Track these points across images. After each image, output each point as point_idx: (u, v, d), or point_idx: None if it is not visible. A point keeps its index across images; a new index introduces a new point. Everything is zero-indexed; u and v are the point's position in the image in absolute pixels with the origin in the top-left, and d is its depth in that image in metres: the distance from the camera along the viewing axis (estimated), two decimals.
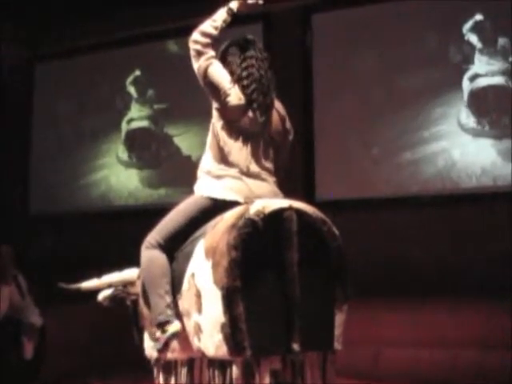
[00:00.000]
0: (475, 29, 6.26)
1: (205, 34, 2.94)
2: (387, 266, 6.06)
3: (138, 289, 3.11)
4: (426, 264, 6.02)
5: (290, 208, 2.73)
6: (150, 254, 2.92)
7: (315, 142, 6.81)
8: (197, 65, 2.96)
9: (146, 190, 7.79)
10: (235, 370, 2.61)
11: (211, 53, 2.96)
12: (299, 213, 2.74)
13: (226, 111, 2.94)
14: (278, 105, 3.08)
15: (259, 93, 2.95)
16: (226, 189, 2.90)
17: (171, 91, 7.60)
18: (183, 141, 7.59)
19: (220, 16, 2.98)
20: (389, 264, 6.07)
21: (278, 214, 2.70)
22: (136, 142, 7.87)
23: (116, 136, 7.94)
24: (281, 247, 2.69)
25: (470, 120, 6.24)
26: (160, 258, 2.90)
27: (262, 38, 6.33)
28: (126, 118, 7.89)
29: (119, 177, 7.91)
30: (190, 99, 6.78)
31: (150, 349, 3.04)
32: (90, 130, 8.02)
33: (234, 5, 3.02)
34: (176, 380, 2.95)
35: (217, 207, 2.86)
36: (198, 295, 2.69)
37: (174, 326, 2.77)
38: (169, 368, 2.98)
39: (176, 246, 2.91)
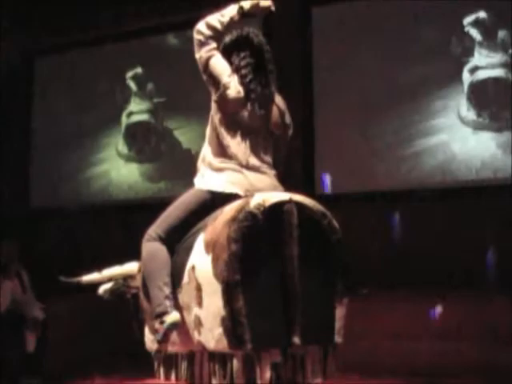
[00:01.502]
0: (475, 22, 6.25)
1: (210, 27, 2.94)
2: (387, 259, 6.07)
3: (138, 282, 3.12)
4: (426, 257, 6.02)
5: (291, 201, 2.73)
6: (151, 246, 2.92)
7: (315, 136, 6.80)
8: (198, 55, 2.98)
9: (146, 183, 7.78)
10: (236, 364, 2.61)
11: (213, 44, 2.96)
12: (299, 206, 2.74)
13: (224, 104, 2.94)
14: (278, 99, 3.07)
15: (257, 83, 2.95)
16: (226, 182, 2.89)
17: (171, 85, 7.59)
18: (183, 134, 7.58)
19: (229, 12, 2.97)
20: (389, 257, 6.08)
21: (278, 207, 2.70)
22: (136, 135, 7.86)
23: (116, 130, 7.93)
24: (281, 240, 2.69)
25: (470, 113, 6.24)
26: (160, 250, 2.90)
27: (262, 31, 6.31)
28: (125, 112, 7.88)
29: (119, 171, 7.90)
30: (189, 93, 6.79)
31: (150, 342, 3.04)
32: (90, 124, 8.00)
33: (246, 4, 3.00)
34: (176, 373, 2.95)
35: (217, 200, 2.86)
36: (199, 289, 2.69)
37: (173, 317, 2.77)
38: (169, 361, 2.99)
39: (176, 238, 2.91)
